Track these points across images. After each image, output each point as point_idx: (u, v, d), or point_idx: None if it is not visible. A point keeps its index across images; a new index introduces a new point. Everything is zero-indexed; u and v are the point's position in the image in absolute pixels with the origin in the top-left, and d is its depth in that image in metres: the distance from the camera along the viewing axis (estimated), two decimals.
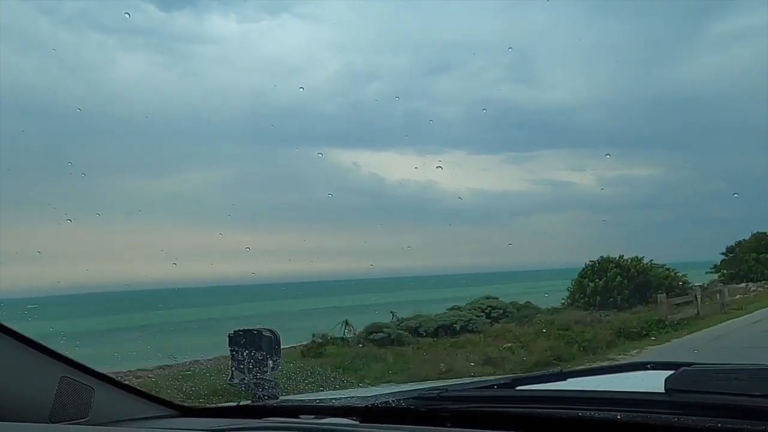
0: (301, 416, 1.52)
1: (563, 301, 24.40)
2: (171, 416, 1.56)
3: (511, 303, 20.33)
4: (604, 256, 24.96)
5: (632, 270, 24.05)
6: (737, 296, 24.44)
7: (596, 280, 24.39)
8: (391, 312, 16.97)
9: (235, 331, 1.82)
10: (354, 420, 1.42)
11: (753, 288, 28.61)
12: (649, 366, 1.85)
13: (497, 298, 20.53)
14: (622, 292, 23.60)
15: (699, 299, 18.67)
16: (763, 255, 33.91)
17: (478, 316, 17.66)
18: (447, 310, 18.46)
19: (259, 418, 1.53)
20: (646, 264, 24.79)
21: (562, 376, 1.81)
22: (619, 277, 23.89)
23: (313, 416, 1.50)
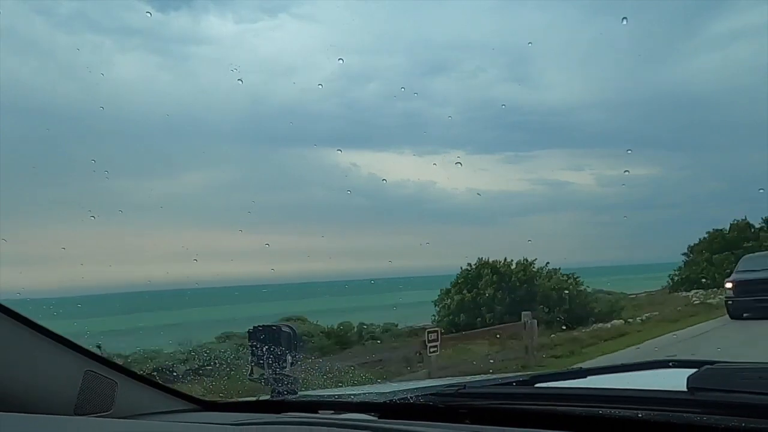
0: (319, 411, 1.53)
1: (433, 317, 19.26)
2: (192, 410, 1.58)
3: (383, 324, 16.85)
4: (483, 258, 19.39)
5: (514, 278, 18.86)
6: (657, 310, 19.81)
7: (464, 292, 18.81)
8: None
9: (254, 327, 1.84)
10: (372, 415, 1.42)
11: (696, 297, 23.99)
12: (671, 364, 1.82)
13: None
14: (493, 308, 17.98)
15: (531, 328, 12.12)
16: (717, 256, 30.06)
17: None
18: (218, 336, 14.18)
19: (278, 413, 1.54)
20: (538, 270, 19.52)
21: (583, 374, 1.80)
22: (491, 287, 18.30)
23: (331, 411, 1.51)
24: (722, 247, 30.78)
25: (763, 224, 33.01)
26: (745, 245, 28.93)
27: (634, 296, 28.22)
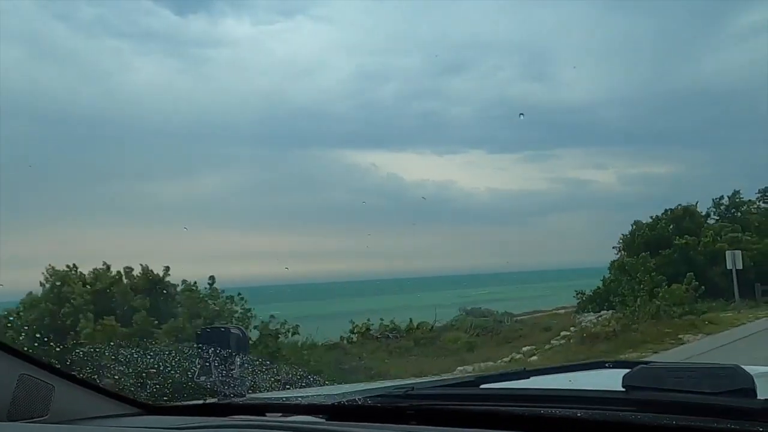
0: (267, 414, 1.52)
1: None
2: (134, 414, 1.54)
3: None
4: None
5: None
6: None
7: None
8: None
9: (203, 329, 1.81)
10: (321, 418, 1.43)
11: (591, 322, 15.93)
12: (607, 364, 1.91)
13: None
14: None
15: None
16: (643, 256, 23.61)
17: None
18: None
19: (225, 416, 1.52)
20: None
21: (526, 375, 1.85)
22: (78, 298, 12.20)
23: (279, 414, 1.50)
24: (645, 246, 25.74)
25: (713, 208, 30.24)
26: (676, 242, 25.94)
27: (518, 319, 20.73)
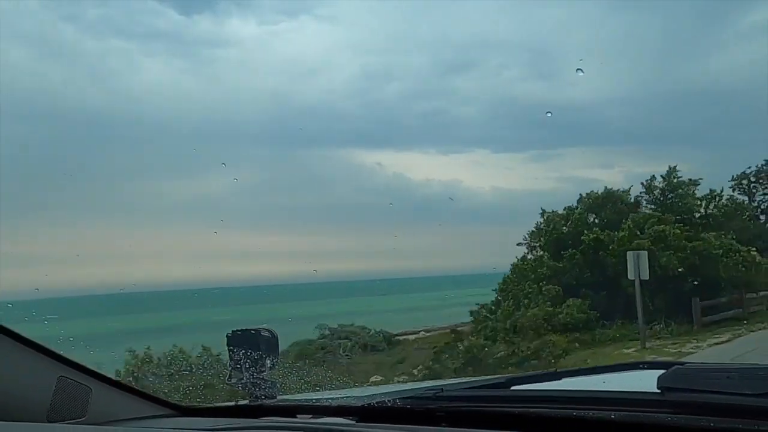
0: (298, 416, 1.53)
1: None
2: (168, 416, 1.56)
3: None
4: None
5: None
6: None
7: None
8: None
9: (233, 331, 1.83)
10: (351, 419, 1.43)
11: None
12: (642, 365, 1.87)
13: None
14: None
15: None
16: (537, 259, 19.12)
17: None
18: None
19: (257, 418, 1.54)
20: None
21: (557, 376, 1.83)
22: None
23: (310, 416, 1.51)
24: (555, 244, 19.26)
25: (644, 193, 20.95)
26: (584, 237, 18.26)
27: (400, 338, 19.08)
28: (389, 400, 1.44)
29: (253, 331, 1.83)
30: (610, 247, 17.57)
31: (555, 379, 1.78)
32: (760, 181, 31.77)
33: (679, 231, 17.84)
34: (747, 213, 26.06)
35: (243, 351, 1.76)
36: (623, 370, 1.92)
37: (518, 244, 21.31)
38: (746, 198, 30.67)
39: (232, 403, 1.72)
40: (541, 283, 17.75)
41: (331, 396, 1.77)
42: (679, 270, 16.82)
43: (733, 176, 30.88)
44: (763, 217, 31.46)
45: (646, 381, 1.31)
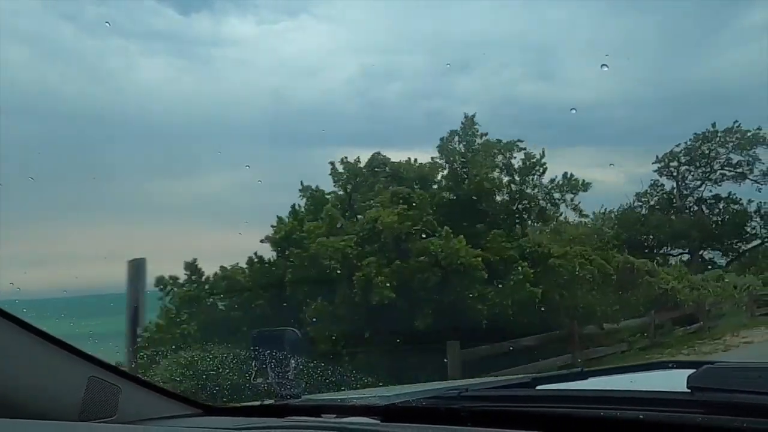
0: (323, 415, 1.54)
1: None
2: (196, 415, 1.59)
3: None
4: None
5: None
6: None
7: None
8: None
9: (258, 331, 1.85)
10: (375, 419, 1.43)
11: None
12: (671, 365, 1.83)
13: None
14: None
15: None
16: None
17: None
18: None
19: (282, 417, 1.55)
20: None
21: (583, 375, 1.80)
22: None
23: (334, 415, 1.52)
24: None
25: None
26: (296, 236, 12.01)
27: None
28: (413, 400, 1.44)
29: (277, 332, 1.84)
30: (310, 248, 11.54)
31: (581, 379, 1.76)
32: (695, 162, 25.92)
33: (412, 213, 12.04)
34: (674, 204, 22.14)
35: (267, 351, 1.78)
36: (651, 369, 1.88)
37: (262, 240, 19.07)
38: (674, 183, 26.81)
39: (258, 403, 1.74)
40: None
41: (356, 396, 1.78)
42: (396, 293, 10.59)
43: (657, 157, 25.72)
44: (695, 208, 26.13)
45: (674, 380, 1.28)
